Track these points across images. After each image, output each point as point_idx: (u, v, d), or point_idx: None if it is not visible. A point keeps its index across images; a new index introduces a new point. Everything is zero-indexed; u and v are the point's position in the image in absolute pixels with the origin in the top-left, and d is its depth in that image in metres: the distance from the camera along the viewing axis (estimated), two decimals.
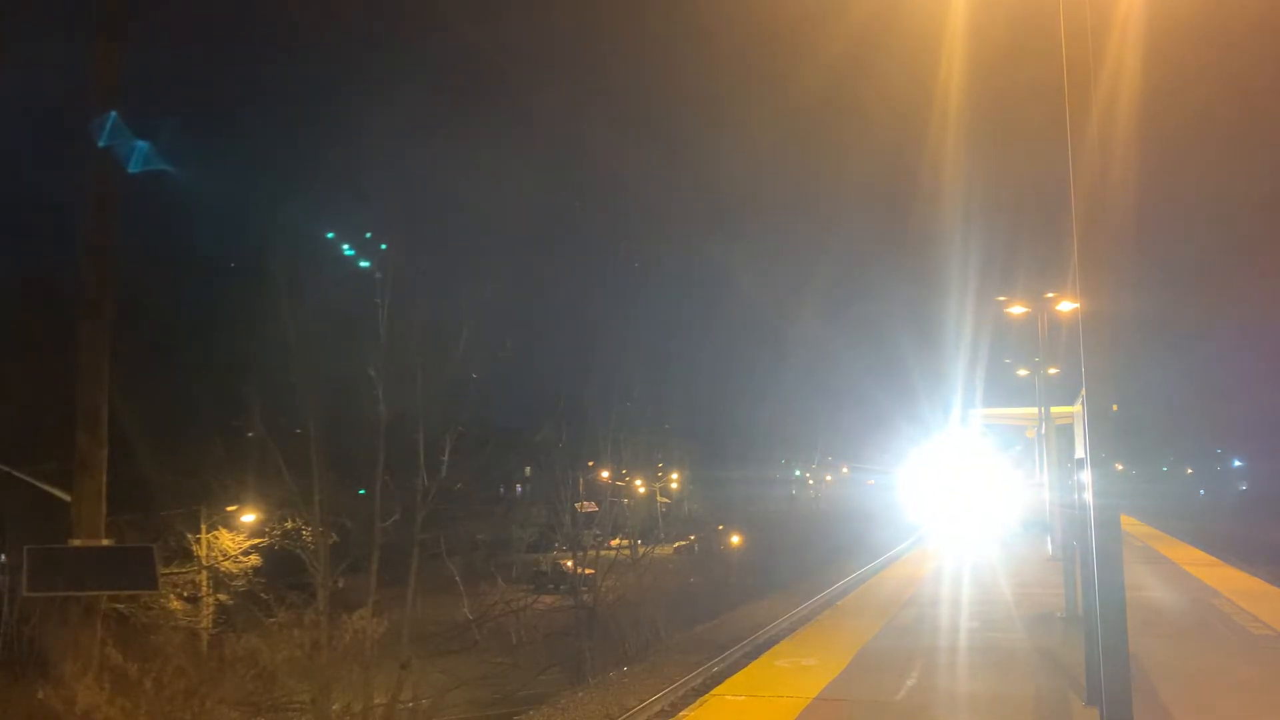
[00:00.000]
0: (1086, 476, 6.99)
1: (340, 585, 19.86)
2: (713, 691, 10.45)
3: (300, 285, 19.24)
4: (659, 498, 61.98)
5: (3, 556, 22.17)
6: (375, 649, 18.77)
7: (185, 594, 23.11)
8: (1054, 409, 29.17)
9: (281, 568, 22.06)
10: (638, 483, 61.80)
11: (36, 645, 16.42)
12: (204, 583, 23.71)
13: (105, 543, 13.47)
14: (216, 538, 23.96)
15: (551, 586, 38.73)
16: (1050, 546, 21.62)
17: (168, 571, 21.29)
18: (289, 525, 20.62)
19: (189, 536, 23.46)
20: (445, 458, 20.27)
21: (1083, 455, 7.81)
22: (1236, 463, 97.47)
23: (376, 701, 18.62)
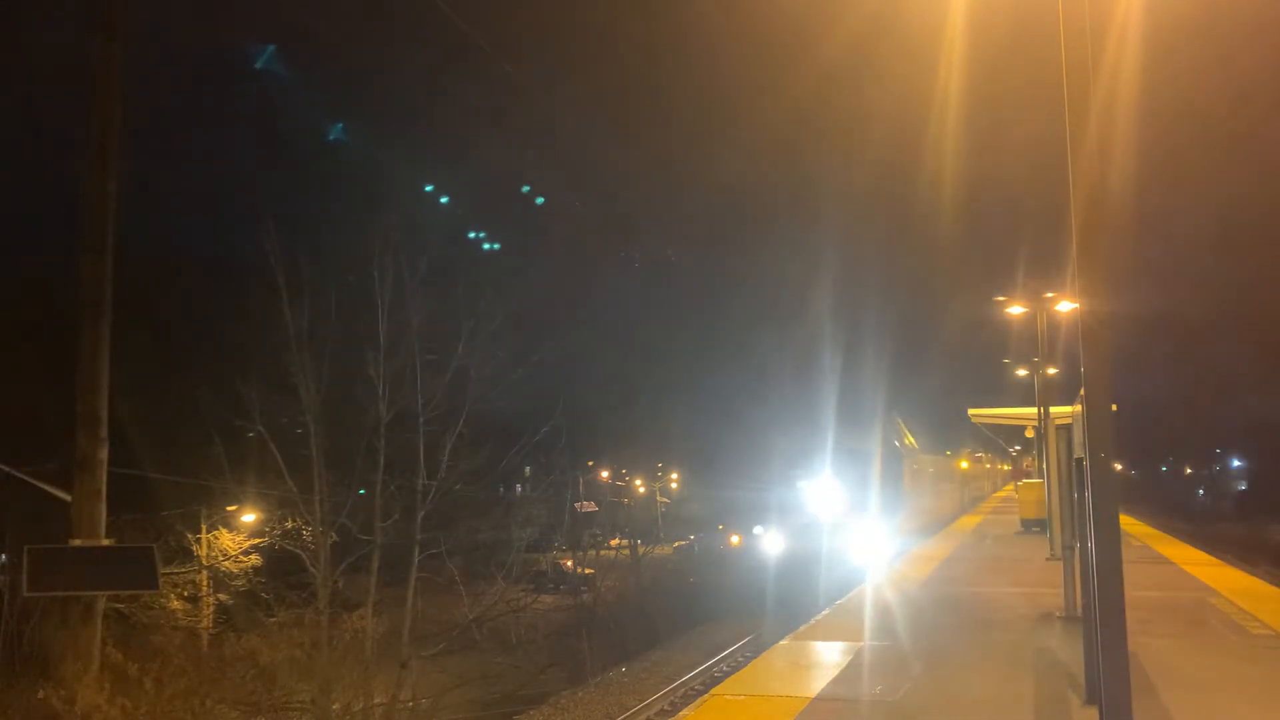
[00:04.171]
0: (1085, 477, 6.99)
1: (340, 585, 19.88)
2: (713, 691, 10.45)
3: (301, 284, 19.25)
4: (659, 498, 61.98)
5: (3, 556, 22.17)
6: (375, 649, 18.79)
7: (185, 594, 23.14)
8: (1053, 409, 29.20)
9: (281, 568, 22.07)
10: (638, 483, 61.78)
11: (36, 645, 16.44)
12: (204, 583, 23.73)
13: (105, 543, 13.48)
14: (217, 538, 23.98)
15: (551, 586, 38.72)
16: (1050, 546, 21.63)
17: (168, 571, 21.30)
18: (289, 525, 20.63)
19: (189, 536, 23.48)
20: (445, 458, 20.29)
21: (1081, 455, 7.82)
22: (1236, 463, 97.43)
23: (376, 701, 18.65)
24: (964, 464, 54.67)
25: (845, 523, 28.78)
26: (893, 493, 30.51)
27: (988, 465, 70.60)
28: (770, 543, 30.14)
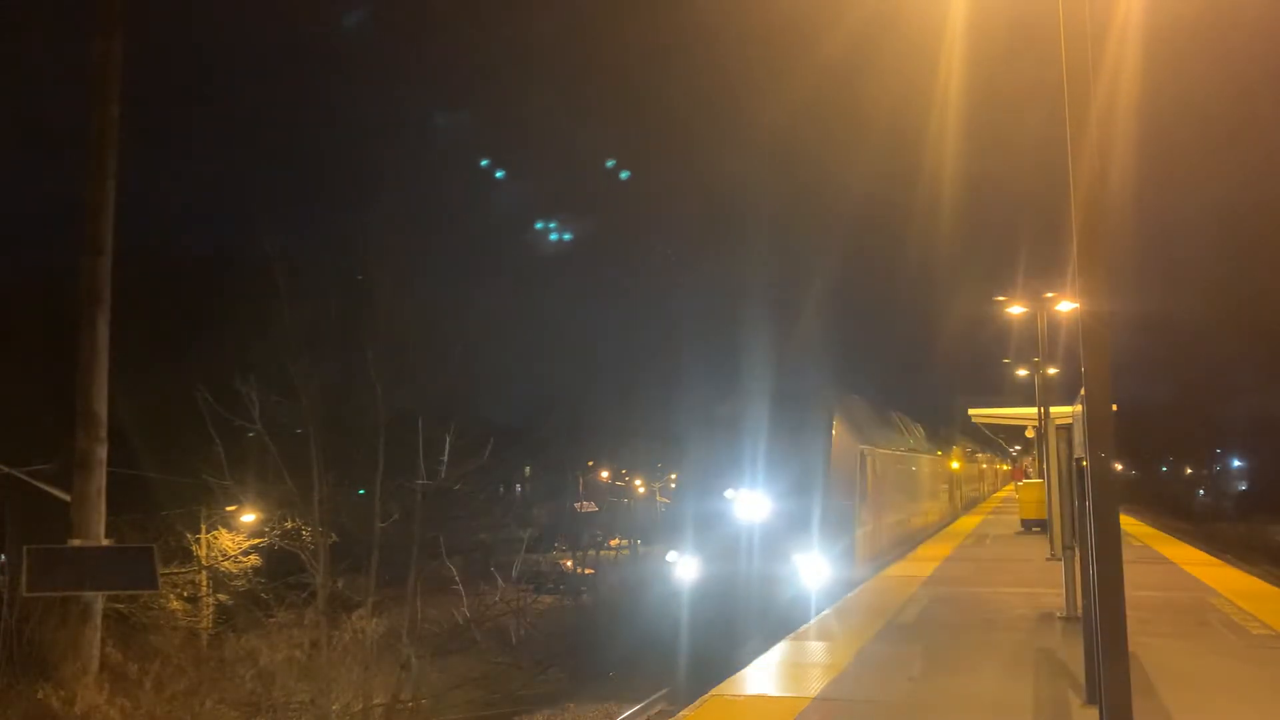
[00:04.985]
0: (1085, 477, 6.99)
1: (340, 585, 19.89)
2: (712, 691, 10.44)
3: (302, 283, 19.26)
4: (659, 498, 61.95)
5: (2, 556, 22.16)
6: (375, 649, 18.79)
7: (185, 594, 23.11)
8: (1053, 409, 29.23)
9: (281, 568, 22.07)
10: (638, 483, 61.79)
11: (36, 645, 16.42)
12: (204, 583, 23.71)
13: (105, 543, 13.52)
14: (216, 538, 23.96)
15: (551, 586, 38.67)
16: (1050, 546, 21.64)
17: (168, 571, 21.29)
18: (289, 525, 20.64)
19: (189, 536, 23.46)
20: (445, 458, 20.29)
21: (1081, 455, 7.82)
22: (1236, 463, 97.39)
23: (376, 701, 18.65)
24: (955, 464, 46.07)
25: (788, 541, 20.75)
26: (852, 501, 22.21)
27: (984, 465, 68.65)
28: (686, 571, 21.64)
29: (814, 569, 20.19)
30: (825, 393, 23.48)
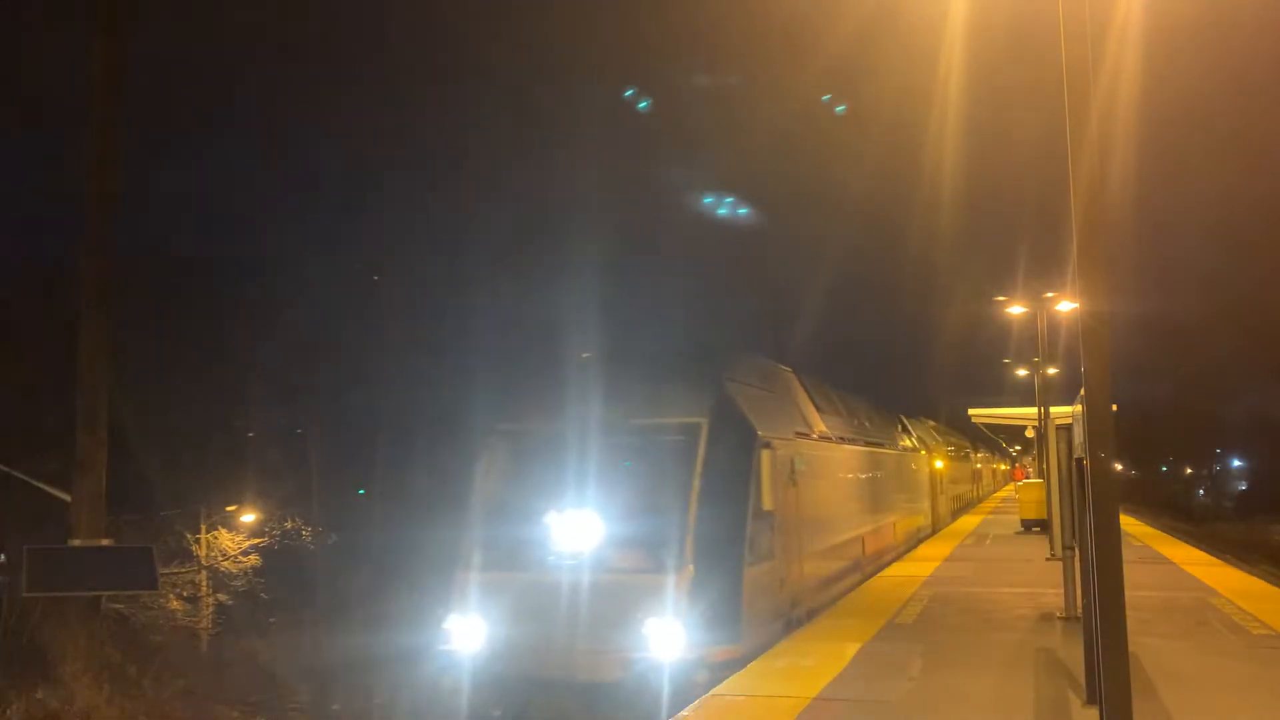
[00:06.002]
0: (1085, 477, 7.00)
1: (340, 585, 19.92)
2: (712, 691, 10.44)
3: (301, 286, 19.28)
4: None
5: (2, 556, 22.17)
6: (374, 648, 18.82)
7: (185, 594, 23.13)
8: (1053, 409, 29.24)
9: (281, 567, 22.09)
10: None
11: (36, 645, 16.45)
12: (204, 583, 23.72)
13: (105, 543, 13.50)
14: (216, 538, 23.98)
15: None
16: (1050, 546, 21.62)
17: (167, 571, 21.30)
18: (289, 525, 20.66)
19: (189, 536, 23.48)
20: (445, 457, 20.32)
21: (1081, 455, 7.83)
22: (1236, 463, 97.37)
23: (376, 701, 18.67)
24: (939, 462, 35.20)
25: (633, 591, 11.75)
26: (742, 525, 12.44)
27: (979, 465, 65.72)
28: (468, 643, 12.02)
29: (674, 638, 11.45)
30: (703, 354, 14.83)
